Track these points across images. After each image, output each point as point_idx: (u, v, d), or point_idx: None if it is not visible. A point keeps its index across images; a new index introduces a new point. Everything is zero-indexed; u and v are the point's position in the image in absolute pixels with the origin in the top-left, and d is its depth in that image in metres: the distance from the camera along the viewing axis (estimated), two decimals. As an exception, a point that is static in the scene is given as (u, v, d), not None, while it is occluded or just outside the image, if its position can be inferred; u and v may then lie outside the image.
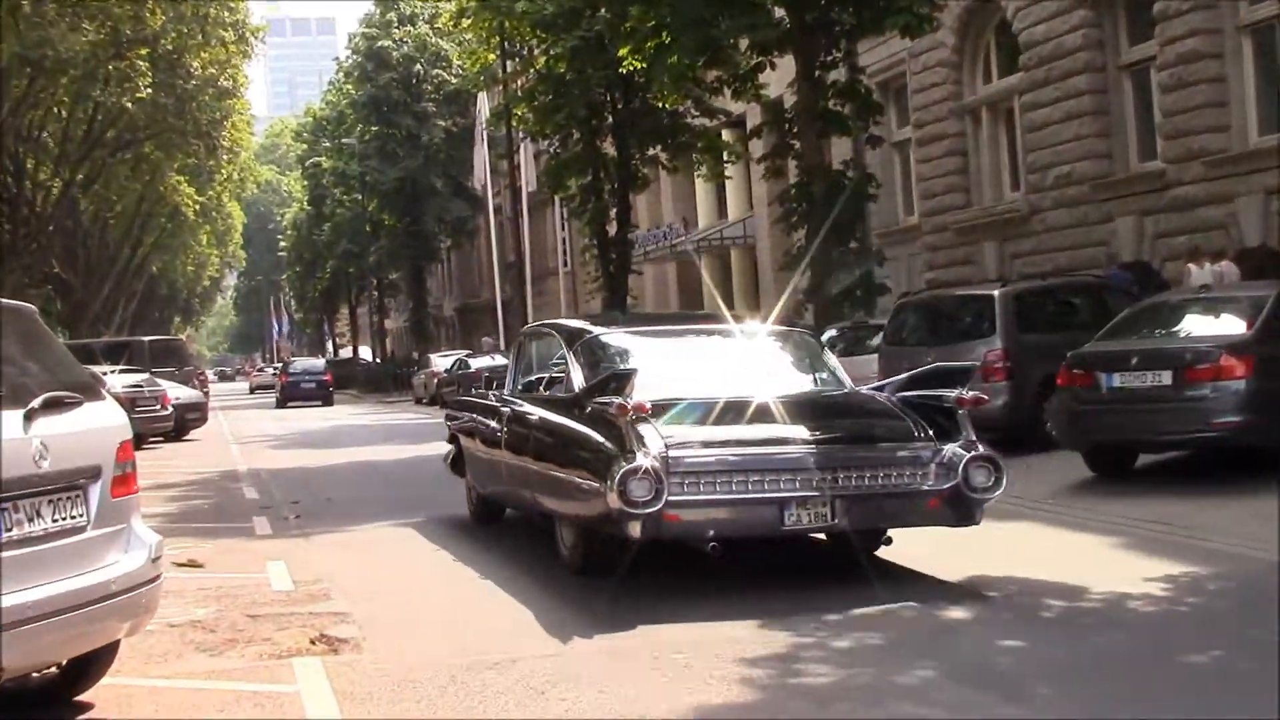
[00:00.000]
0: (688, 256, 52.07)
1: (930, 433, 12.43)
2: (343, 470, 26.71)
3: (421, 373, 62.36)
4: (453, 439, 17.87)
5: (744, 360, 14.05)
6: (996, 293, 22.27)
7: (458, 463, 17.70)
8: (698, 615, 11.23)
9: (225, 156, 67.09)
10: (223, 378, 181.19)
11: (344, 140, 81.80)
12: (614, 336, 14.51)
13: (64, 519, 8.70)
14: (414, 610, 12.22)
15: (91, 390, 9.38)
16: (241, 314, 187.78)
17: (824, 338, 25.37)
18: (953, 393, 12.74)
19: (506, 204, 65.23)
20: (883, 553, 13.27)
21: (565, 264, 67.85)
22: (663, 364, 13.67)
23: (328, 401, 68.74)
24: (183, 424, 40.10)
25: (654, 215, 57.15)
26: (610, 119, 39.52)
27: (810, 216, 29.51)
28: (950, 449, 12.27)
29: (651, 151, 39.91)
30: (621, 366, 13.25)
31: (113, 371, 36.96)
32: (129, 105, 54.58)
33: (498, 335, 62.13)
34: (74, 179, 59.78)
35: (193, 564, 15.17)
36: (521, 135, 51.17)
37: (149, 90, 54.76)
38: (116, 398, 10.23)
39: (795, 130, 30.18)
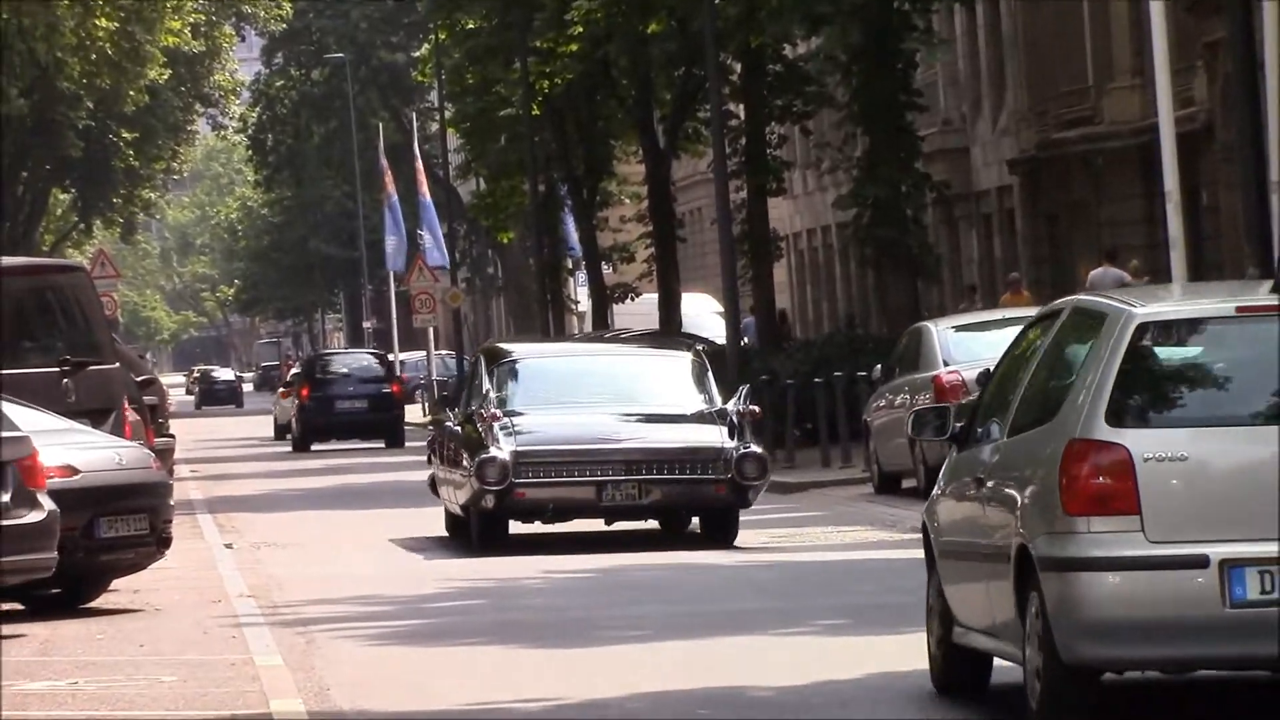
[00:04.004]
0: None
1: (726, 437, 16.79)
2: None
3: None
4: (429, 460, 20.55)
5: (617, 378, 18.60)
6: None
7: (434, 483, 19.42)
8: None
9: None
10: (202, 397, 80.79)
11: None
12: (524, 360, 18.89)
13: None
14: None
15: None
16: (269, 179, 79.43)
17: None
18: (736, 406, 17.36)
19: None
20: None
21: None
22: (548, 380, 18.38)
23: (395, 441, 41.26)
24: (91, 559, 14.33)
25: None
26: None
27: None
28: (730, 447, 16.74)
29: None
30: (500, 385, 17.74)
31: None
32: None
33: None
34: None
35: None
36: None
37: None
38: None
39: None
